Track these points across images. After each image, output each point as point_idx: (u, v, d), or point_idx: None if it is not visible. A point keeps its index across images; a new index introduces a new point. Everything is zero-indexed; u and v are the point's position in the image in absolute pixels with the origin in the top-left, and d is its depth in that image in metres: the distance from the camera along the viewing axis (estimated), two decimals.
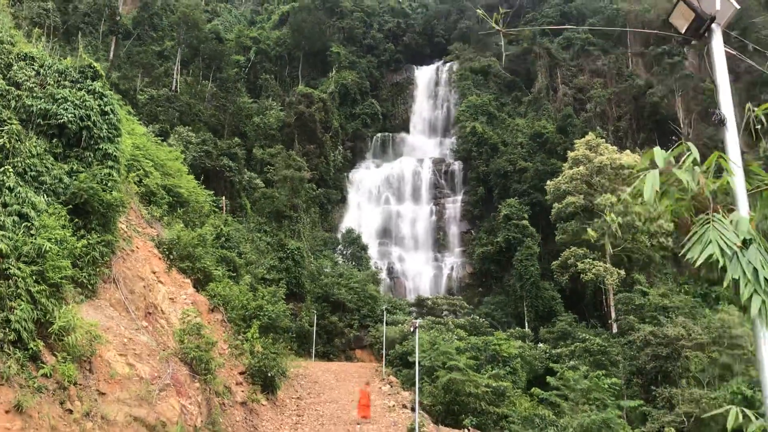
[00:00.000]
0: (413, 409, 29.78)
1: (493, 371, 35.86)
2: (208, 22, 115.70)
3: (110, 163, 24.14)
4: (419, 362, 29.57)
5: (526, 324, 70.18)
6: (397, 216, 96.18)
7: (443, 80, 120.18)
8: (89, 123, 23.72)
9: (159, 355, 21.08)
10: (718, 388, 44.32)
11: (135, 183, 35.60)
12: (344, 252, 77.85)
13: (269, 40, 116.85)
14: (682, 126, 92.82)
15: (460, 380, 31.00)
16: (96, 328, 19.06)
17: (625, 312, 59.06)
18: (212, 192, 57.89)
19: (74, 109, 23.40)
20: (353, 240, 78.52)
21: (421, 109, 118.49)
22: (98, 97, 24.66)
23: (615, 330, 61.04)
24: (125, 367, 19.48)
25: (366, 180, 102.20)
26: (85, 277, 21.39)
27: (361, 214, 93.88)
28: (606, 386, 32.75)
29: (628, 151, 74.32)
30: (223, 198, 66.74)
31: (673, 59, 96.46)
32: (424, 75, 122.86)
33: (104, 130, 24.29)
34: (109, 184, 23.47)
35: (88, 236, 22.08)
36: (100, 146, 24.02)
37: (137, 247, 27.93)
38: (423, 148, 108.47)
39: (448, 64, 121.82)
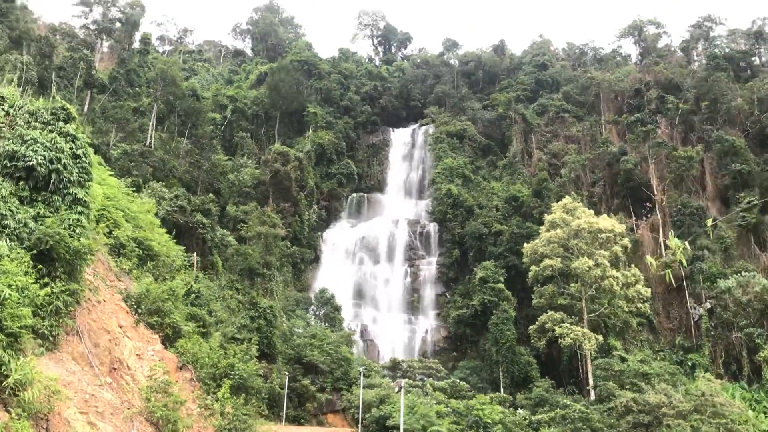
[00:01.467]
0: None
1: None
2: (186, 80, 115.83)
3: (80, 208, 22.91)
4: (397, 426, 27.99)
5: (502, 389, 68.65)
6: (372, 277, 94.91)
7: (419, 143, 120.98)
8: (59, 166, 22.58)
9: (123, 414, 19.46)
10: None
11: (105, 234, 34.17)
12: (317, 312, 76.11)
13: (246, 99, 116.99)
14: (655, 192, 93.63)
15: None
16: (56, 382, 17.50)
17: (604, 378, 57.96)
18: (183, 248, 56.42)
19: (44, 151, 22.28)
20: (327, 300, 76.85)
21: (397, 170, 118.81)
22: (70, 140, 23.60)
23: (593, 397, 59.78)
24: (86, 426, 17.86)
25: (340, 240, 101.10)
26: (46, 327, 19.89)
27: (334, 275, 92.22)
28: None
29: (605, 215, 74.37)
30: (195, 254, 65.11)
31: (646, 127, 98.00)
32: (400, 137, 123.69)
33: (75, 174, 23.15)
34: (77, 231, 22.20)
35: (52, 284, 20.65)
36: (70, 190, 22.82)
37: (104, 300, 26.41)
38: (398, 209, 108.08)
39: (423, 127, 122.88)
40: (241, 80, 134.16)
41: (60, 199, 22.48)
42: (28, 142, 22.09)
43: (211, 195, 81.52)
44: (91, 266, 27.28)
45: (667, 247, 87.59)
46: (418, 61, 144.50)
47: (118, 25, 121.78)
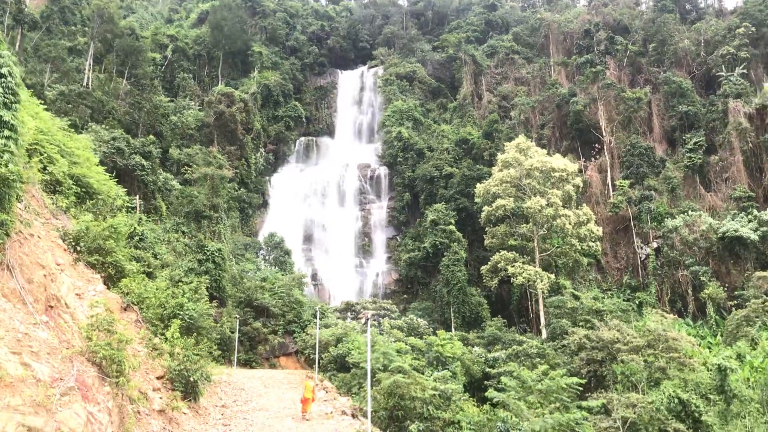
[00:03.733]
0: (353, 416, 27.22)
1: (437, 373, 33.62)
2: (123, 19, 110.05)
3: (6, 132, 20.59)
4: (357, 364, 26.99)
5: (453, 330, 68.55)
6: (322, 222, 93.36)
7: (368, 85, 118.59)
8: None
9: (61, 354, 17.74)
10: (654, 392, 43.45)
11: (39, 170, 31.72)
12: (267, 257, 74.39)
13: (187, 39, 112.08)
14: (604, 134, 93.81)
15: (405, 383, 28.46)
16: None
17: (557, 316, 58.13)
18: (125, 191, 53.75)
19: None
20: (276, 244, 75.16)
21: (346, 113, 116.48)
22: None
23: (545, 335, 60.11)
24: (19, 367, 16.10)
25: (289, 184, 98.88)
26: None
27: (284, 220, 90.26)
28: (565, 386, 30.90)
29: (558, 155, 74.00)
30: (137, 197, 62.41)
31: (595, 68, 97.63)
32: (348, 79, 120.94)
33: None
34: (4, 157, 19.96)
35: None
36: None
37: (39, 237, 24.27)
38: (348, 153, 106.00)
39: (372, 69, 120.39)
40: (181, 19, 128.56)
41: None
42: None
43: (152, 137, 77.95)
44: (23, 201, 25.10)
45: (615, 187, 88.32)
46: (366, 1, 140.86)
47: None
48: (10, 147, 20.50)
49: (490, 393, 30.02)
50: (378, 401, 28.49)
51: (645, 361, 45.60)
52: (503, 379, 32.10)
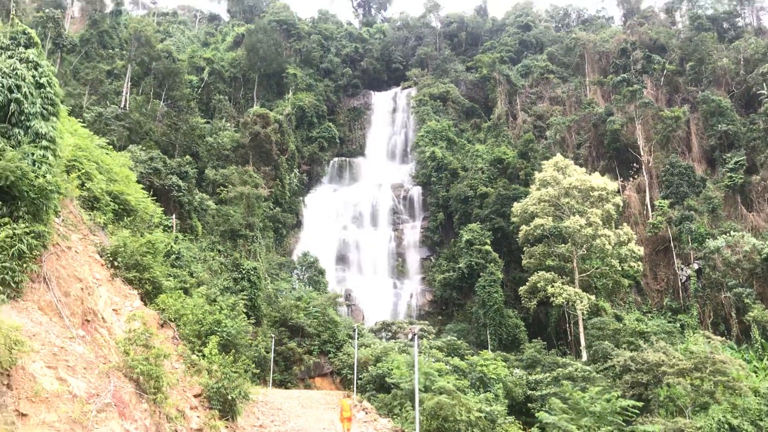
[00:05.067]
0: None
1: (481, 395, 32.53)
2: (160, 42, 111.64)
3: (44, 143, 20.35)
4: (398, 384, 26.09)
5: (490, 352, 67.24)
6: (355, 242, 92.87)
7: (401, 106, 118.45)
8: (19, 95, 19.96)
9: (98, 369, 17.21)
10: (702, 417, 41.81)
11: (77, 186, 31.60)
12: (301, 276, 74.02)
13: (223, 61, 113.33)
14: (641, 153, 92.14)
15: (449, 404, 27.45)
16: (18, 332, 15.20)
17: (598, 338, 56.49)
18: (161, 210, 53.76)
19: (2, 77, 19.63)
20: (310, 263, 74.76)
21: (379, 134, 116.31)
22: (32, 67, 20.96)
23: (585, 357, 58.50)
24: (54, 382, 15.61)
25: (323, 205, 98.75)
26: (7, 273, 17.50)
27: (317, 240, 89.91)
28: (619, 409, 29.61)
29: (597, 173, 72.63)
30: (173, 217, 62.50)
31: (632, 87, 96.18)
32: (381, 100, 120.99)
33: (38, 105, 20.55)
34: (42, 168, 19.68)
35: (14, 225, 18.22)
36: (32, 123, 20.23)
37: (76, 251, 23.96)
38: (381, 173, 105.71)
39: (406, 90, 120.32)
40: (217, 42, 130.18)
41: (22, 132, 19.91)
42: None
43: (188, 158, 78.41)
44: (61, 215, 24.87)
45: (654, 207, 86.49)
46: (399, 24, 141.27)
47: None
48: (48, 158, 20.25)
49: (541, 415, 28.86)
50: (421, 423, 27.49)
51: (692, 384, 43.92)
52: (553, 400, 30.90)
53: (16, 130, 19.90)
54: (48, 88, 20.99)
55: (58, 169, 22.09)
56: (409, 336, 21.82)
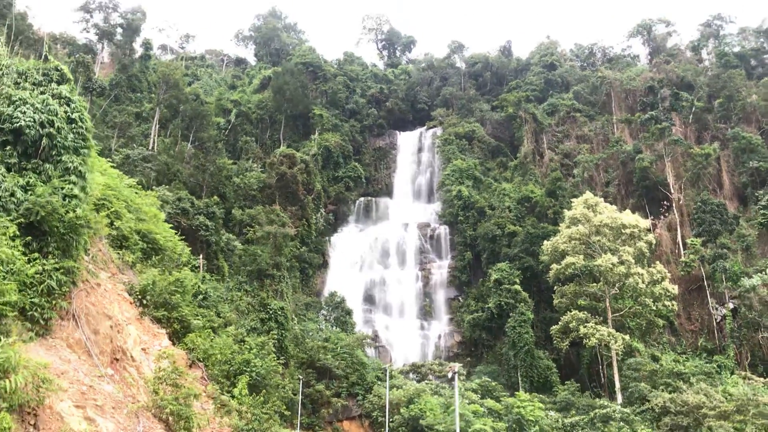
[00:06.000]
0: None
1: None
2: (188, 86, 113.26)
3: (74, 178, 20.18)
4: (432, 426, 25.02)
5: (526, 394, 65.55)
6: (382, 282, 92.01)
7: (426, 145, 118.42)
8: (52, 130, 19.90)
9: (127, 409, 16.62)
10: None
11: (106, 225, 31.42)
12: (328, 317, 73.17)
13: (250, 103, 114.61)
14: (672, 191, 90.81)
15: None
16: (46, 370, 14.70)
17: (635, 379, 54.77)
18: (189, 250, 53.58)
19: (34, 112, 19.58)
20: (337, 304, 73.97)
21: (405, 173, 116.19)
22: (64, 103, 20.95)
23: (620, 399, 56.74)
24: (83, 422, 15.04)
25: (349, 244, 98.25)
26: (36, 309, 17.09)
27: (344, 280, 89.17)
28: None
29: (628, 210, 71.46)
30: (201, 257, 62.28)
31: (660, 125, 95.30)
32: (407, 140, 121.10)
33: (69, 140, 20.46)
34: (71, 202, 19.42)
35: (43, 261, 17.90)
36: (63, 158, 20.11)
37: (105, 289, 23.59)
38: (407, 212, 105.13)
39: (431, 130, 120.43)
40: (244, 85, 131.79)
41: (52, 168, 19.79)
42: (16, 102, 19.38)
43: (215, 198, 78.65)
44: (90, 253, 24.57)
45: (685, 246, 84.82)
46: (424, 65, 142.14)
47: (119, 30, 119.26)
48: (77, 193, 20.01)
49: None
50: None
51: (734, 428, 42.24)
52: None
53: (47, 165, 19.77)
54: (80, 123, 20.90)
55: (88, 205, 21.83)
56: (449, 374, 20.90)
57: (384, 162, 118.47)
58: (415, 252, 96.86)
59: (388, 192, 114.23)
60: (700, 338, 78.53)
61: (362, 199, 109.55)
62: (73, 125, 20.70)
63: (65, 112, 20.56)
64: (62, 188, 19.43)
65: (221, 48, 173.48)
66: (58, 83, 21.43)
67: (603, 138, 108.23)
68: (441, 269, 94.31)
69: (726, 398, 45.61)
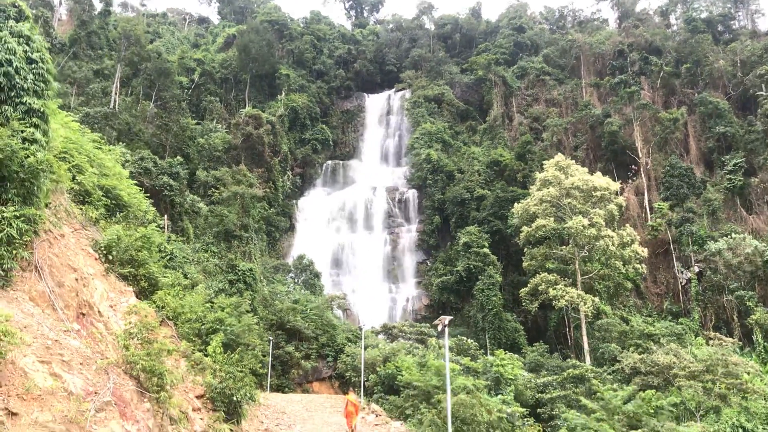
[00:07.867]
0: None
1: (494, 397, 30.91)
2: (150, 43, 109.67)
3: (35, 120, 18.68)
4: (410, 384, 24.37)
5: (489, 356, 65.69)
6: (350, 246, 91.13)
7: (395, 108, 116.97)
8: (10, 69, 18.30)
9: (96, 365, 15.52)
10: (711, 419, 40.37)
11: (69, 180, 29.81)
12: (296, 279, 72.12)
13: (214, 63, 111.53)
14: (640, 155, 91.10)
15: (469, 404, 25.75)
16: (7, 322, 13.53)
17: (604, 340, 55.02)
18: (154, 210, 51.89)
19: None
20: (305, 267, 72.94)
21: (373, 137, 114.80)
22: (24, 42, 19.31)
23: (588, 360, 57.08)
24: (48, 378, 13.92)
25: (316, 208, 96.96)
26: None
27: (311, 244, 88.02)
28: (653, 410, 28.07)
29: (599, 173, 71.34)
30: (165, 218, 60.56)
31: (630, 89, 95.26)
32: (375, 103, 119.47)
33: (29, 81, 18.89)
34: (32, 146, 17.99)
35: (2, 208, 16.55)
36: (24, 99, 18.58)
37: (69, 242, 22.22)
38: (375, 176, 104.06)
39: (399, 92, 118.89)
40: (207, 44, 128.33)
41: (11, 109, 18.24)
42: None
43: (179, 158, 76.47)
44: (52, 207, 23.11)
45: (652, 210, 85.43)
46: (392, 26, 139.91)
47: None
48: (38, 137, 18.57)
49: (568, 415, 27.22)
50: (437, 425, 25.78)
51: (704, 387, 42.54)
52: (584, 400, 29.21)
53: (5, 107, 18.22)
54: (40, 64, 19.35)
55: (50, 152, 20.39)
56: (439, 327, 20.15)
57: (352, 125, 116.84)
58: (384, 216, 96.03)
59: (356, 155, 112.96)
60: (665, 301, 79.42)
61: (330, 162, 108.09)
62: (33, 66, 19.14)
63: (24, 51, 18.98)
64: (22, 131, 17.93)
65: (183, 7, 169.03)
66: (16, 20, 19.80)
67: (572, 102, 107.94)
68: (409, 233, 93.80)
69: (697, 359, 45.92)
